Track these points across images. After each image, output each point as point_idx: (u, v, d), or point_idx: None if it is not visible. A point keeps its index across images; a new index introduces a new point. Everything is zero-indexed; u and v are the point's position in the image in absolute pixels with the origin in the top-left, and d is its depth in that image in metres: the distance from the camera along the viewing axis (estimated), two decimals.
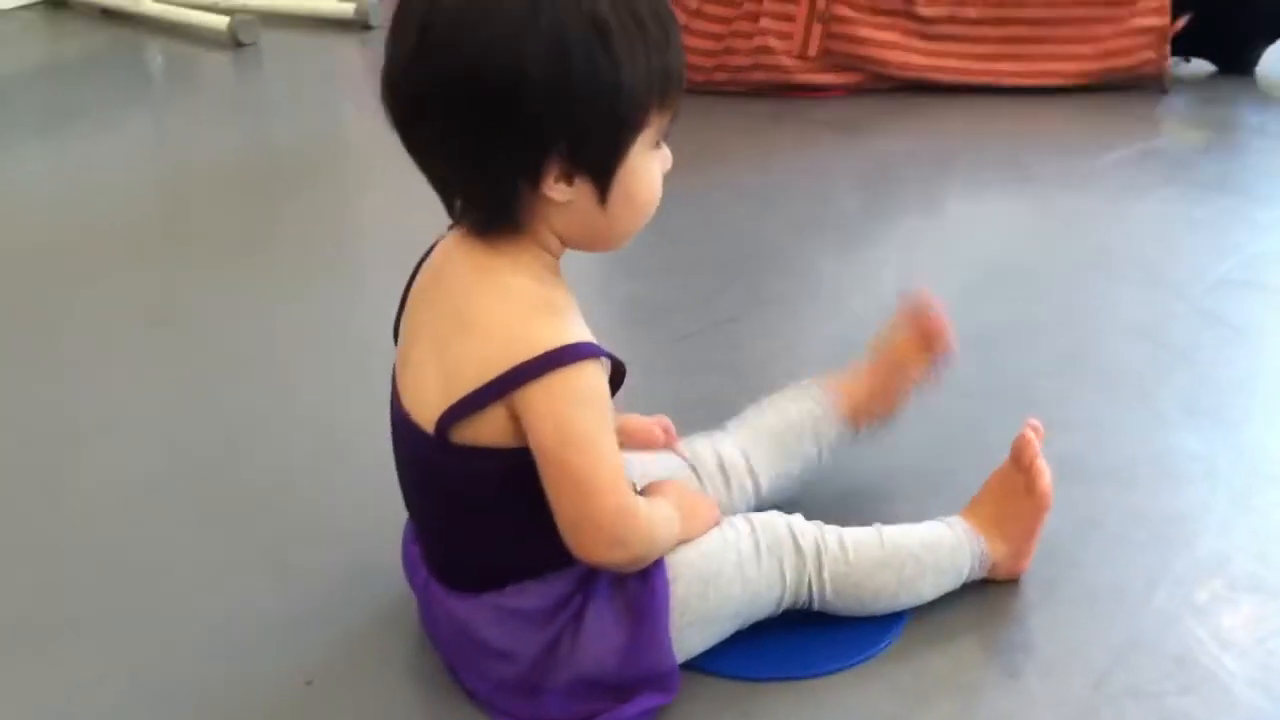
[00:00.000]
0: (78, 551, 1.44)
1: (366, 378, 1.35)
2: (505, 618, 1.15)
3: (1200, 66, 2.95)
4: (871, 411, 1.45)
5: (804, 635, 1.24)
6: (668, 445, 1.35)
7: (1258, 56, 2.97)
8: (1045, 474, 1.29)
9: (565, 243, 1.11)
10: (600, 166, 1.06)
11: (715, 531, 1.21)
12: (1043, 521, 1.30)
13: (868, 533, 1.25)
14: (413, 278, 1.18)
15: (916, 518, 1.30)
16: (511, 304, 1.08)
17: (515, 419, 1.06)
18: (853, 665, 1.22)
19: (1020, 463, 1.30)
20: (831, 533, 1.24)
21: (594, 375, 1.07)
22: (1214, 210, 2.29)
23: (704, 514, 1.22)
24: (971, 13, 2.89)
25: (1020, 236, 2.26)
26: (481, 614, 1.16)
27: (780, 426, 1.41)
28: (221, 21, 3.53)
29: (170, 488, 1.54)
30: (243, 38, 3.52)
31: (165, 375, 1.81)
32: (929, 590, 1.26)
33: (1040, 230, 2.28)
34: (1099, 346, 1.82)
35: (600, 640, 1.14)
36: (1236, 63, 2.97)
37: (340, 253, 2.27)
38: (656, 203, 1.11)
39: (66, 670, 1.27)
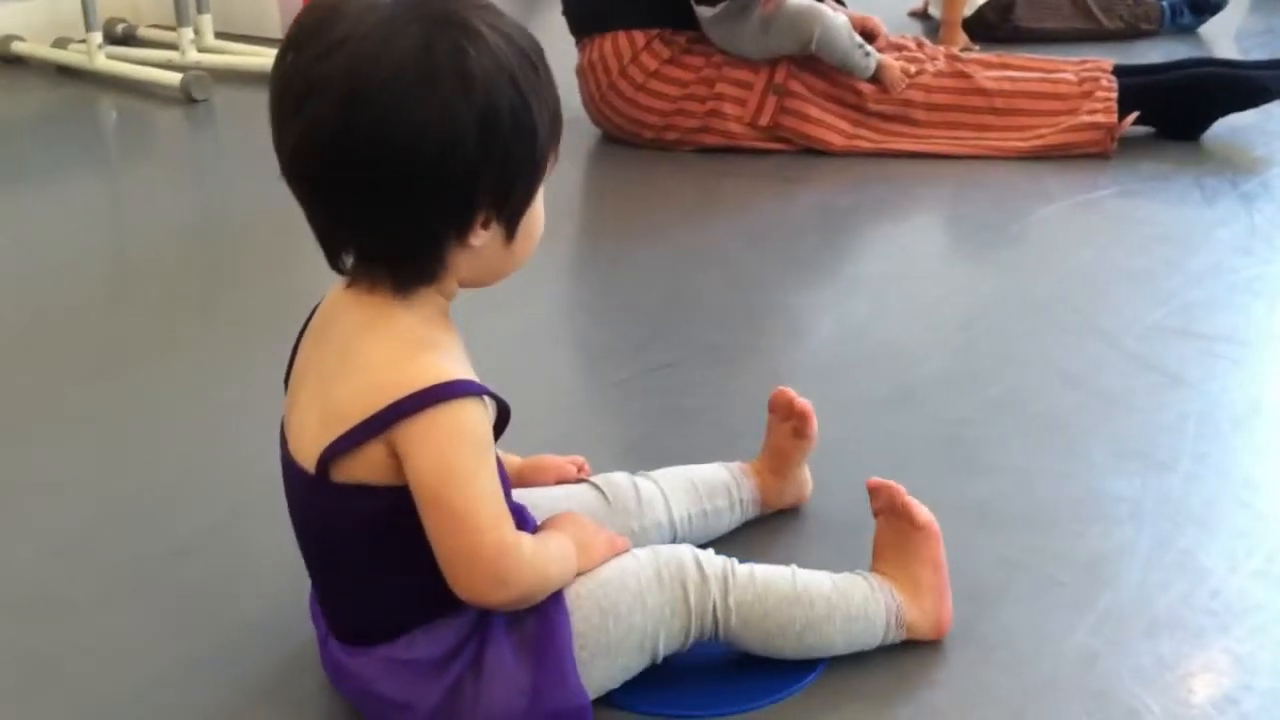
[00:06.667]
0: None
1: None
2: (398, 670, 1.14)
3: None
4: (779, 494, 1.51)
5: (717, 676, 1.23)
6: (580, 479, 1.38)
7: (1204, 129, 3.03)
8: (919, 507, 1.29)
9: (464, 284, 1.13)
10: (516, 210, 1.09)
11: (614, 561, 1.20)
12: (942, 576, 1.29)
13: (780, 569, 1.25)
14: (303, 330, 1.19)
15: (835, 565, 1.30)
16: (396, 343, 1.08)
17: (395, 456, 1.06)
18: (765, 705, 1.22)
19: (894, 509, 1.30)
20: (743, 565, 1.24)
21: (473, 413, 1.06)
22: (1149, 260, 2.33)
23: (602, 544, 1.21)
24: (919, 114, 2.95)
25: (958, 286, 2.28)
26: (374, 668, 1.15)
27: (697, 477, 1.45)
28: (174, 78, 3.56)
29: (98, 541, 1.52)
30: (196, 94, 3.54)
31: (99, 435, 1.79)
32: (839, 638, 1.25)
33: (978, 280, 2.31)
34: (1030, 394, 1.83)
35: (505, 683, 1.12)
36: (1182, 135, 3.03)
37: (287, 312, 2.26)
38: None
39: None
